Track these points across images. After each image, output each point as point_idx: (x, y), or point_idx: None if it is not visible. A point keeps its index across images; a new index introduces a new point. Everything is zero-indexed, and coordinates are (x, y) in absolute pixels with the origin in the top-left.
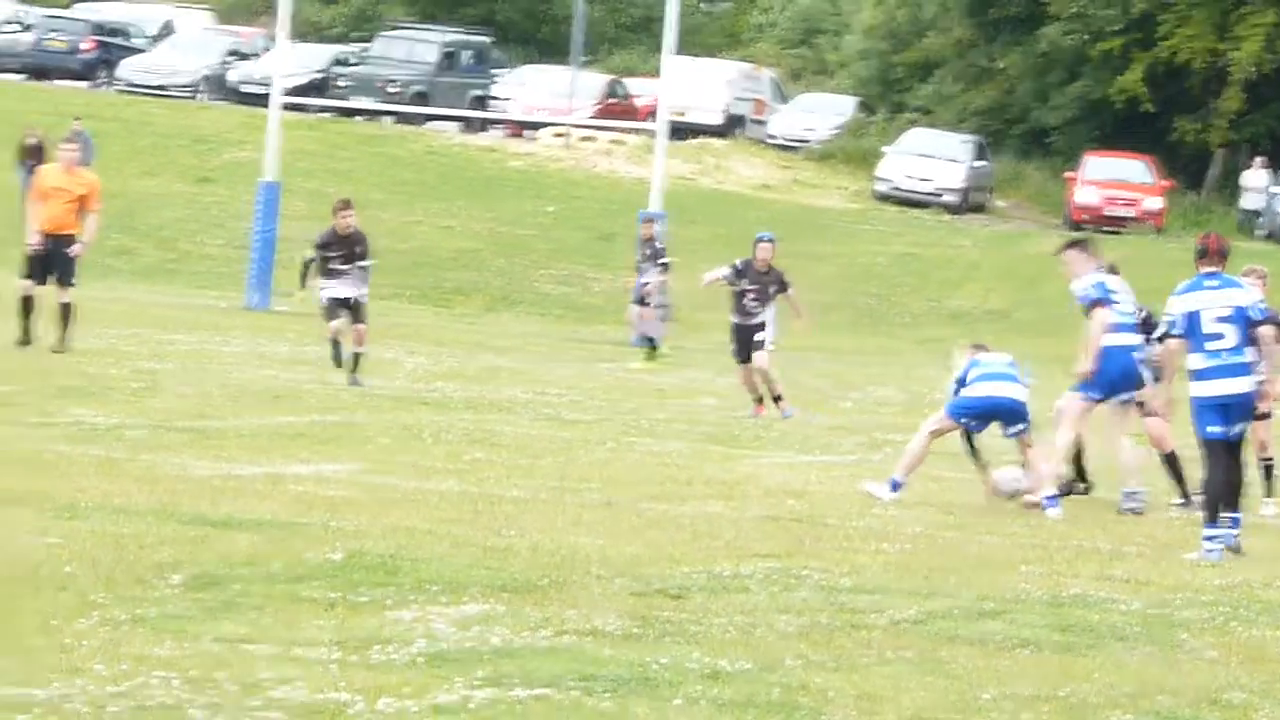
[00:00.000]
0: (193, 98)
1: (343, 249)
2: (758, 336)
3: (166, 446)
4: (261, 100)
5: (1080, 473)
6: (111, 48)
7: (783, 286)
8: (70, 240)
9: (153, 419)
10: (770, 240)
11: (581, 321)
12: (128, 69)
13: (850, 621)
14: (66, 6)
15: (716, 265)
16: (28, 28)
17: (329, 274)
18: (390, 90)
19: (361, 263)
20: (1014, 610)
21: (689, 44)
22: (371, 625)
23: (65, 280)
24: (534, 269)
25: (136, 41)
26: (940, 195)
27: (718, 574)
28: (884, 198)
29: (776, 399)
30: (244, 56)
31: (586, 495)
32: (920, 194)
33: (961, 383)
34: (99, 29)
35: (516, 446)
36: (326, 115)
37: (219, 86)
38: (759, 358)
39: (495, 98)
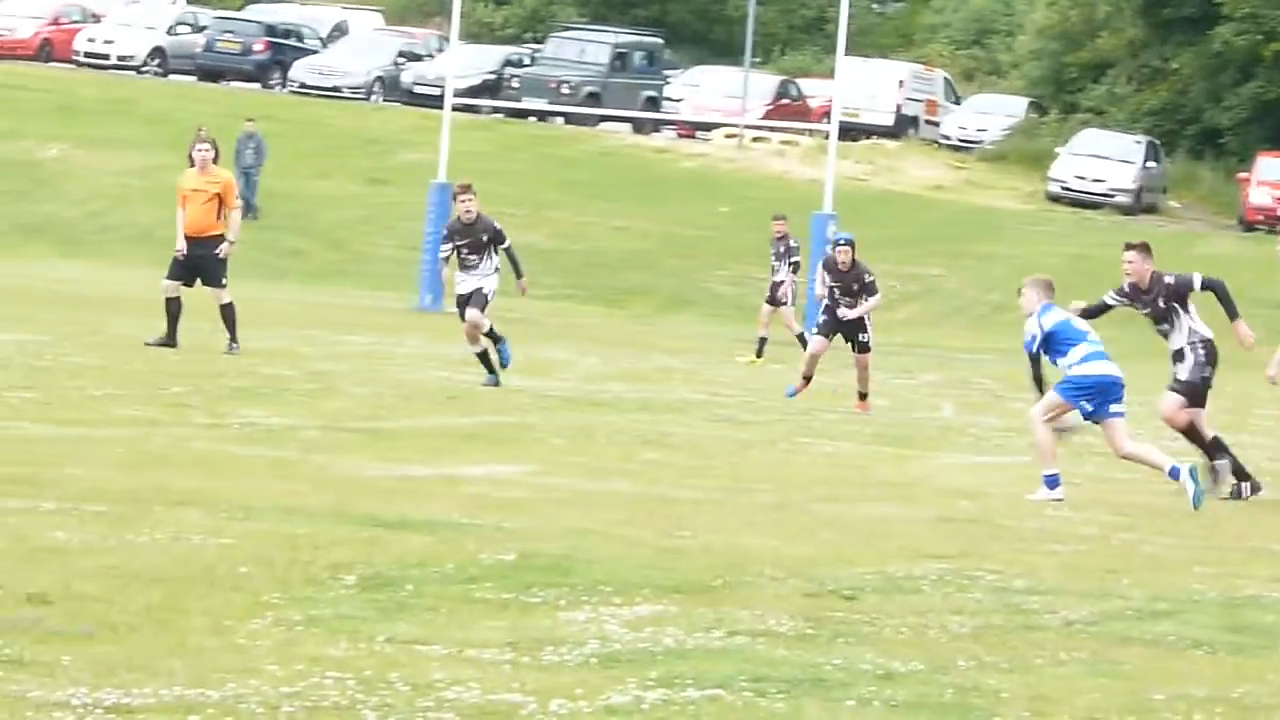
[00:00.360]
0: (366, 99)
1: (468, 237)
2: (861, 336)
3: (339, 447)
4: (434, 101)
5: (1240, 472)
6: (284, 49)
7: (868, 289)
8: (215, 241)
9: (325, 420)
10: (846, 243)
11: (753, 322)
12: (300, 70)
13: (1023, 623)
14: (239, 8)
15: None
16: (200, 29)
17: (462, 266)
18: (562, 91)
19: (500, 245)
20: (1187, 611)
21: (861, 44)
22: (544, 626)
23: (216, 283)
24: (706, 270)
25: (309, 43)
26: (1113, 196)
27: (890, 575)
28: (1056, 199)
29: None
30: (416, 57)
31: (759, 496)
32: (1093, 195)
33: (1048, 341)
34: (271, 30)
35: (689, 447)
36: (498, 116)
37: (392, 87)
38: (862, 359)
39: (667, 98)
